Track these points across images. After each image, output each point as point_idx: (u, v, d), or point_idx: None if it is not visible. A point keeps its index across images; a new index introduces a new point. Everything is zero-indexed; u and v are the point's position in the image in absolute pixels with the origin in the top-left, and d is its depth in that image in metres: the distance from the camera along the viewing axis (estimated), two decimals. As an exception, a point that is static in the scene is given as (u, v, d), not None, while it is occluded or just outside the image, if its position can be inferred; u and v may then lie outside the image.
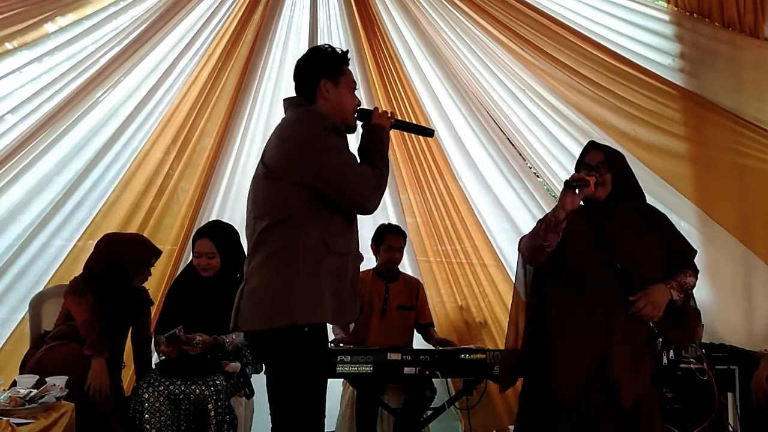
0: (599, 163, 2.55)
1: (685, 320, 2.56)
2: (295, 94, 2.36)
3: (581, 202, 2.50)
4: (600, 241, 2.49)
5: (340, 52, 2.36)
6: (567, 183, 2.46)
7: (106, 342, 3.10)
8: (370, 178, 2.20)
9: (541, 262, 2.56)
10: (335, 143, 2.19)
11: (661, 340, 2.50)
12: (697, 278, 2.57)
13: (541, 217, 2.61)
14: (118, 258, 3.26)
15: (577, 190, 2.44)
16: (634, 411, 2.37)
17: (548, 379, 2.45)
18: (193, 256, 3.41)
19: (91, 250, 3.42)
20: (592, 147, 2.65)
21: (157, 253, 3.40)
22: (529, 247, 2.57)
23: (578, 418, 2.39)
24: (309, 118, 2.25)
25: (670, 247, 2.55)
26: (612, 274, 2.45)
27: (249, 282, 2.22)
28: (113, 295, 3.22)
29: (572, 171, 4.12)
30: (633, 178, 2.62)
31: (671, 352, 2.49)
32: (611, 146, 2.67)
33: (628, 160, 2.68)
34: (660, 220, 2.63)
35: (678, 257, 2.56)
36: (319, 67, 2.31)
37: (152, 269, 3.44)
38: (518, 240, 2.72)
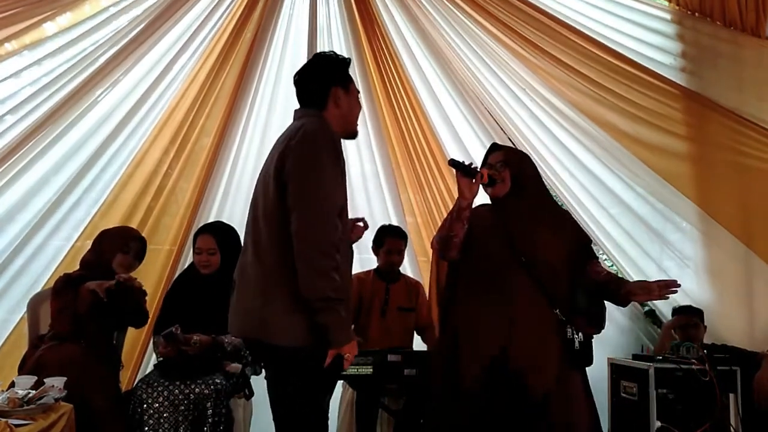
0: (498, 162, 2.69)
1: (590, 309, 2.60)
2: (297, 100, 2.32)
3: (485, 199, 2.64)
4: (503, 235, 2.59)
5: (342, 58, 2.33)
6: (450, 162, 2.59)
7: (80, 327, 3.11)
8: (332, 235, 2.05)
9: (451, 255, 2.66)
10: (332, 173, 2.10)
11: (570, 327, 2.54)
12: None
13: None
14: (100, 241, 3.34)
15: (473, 180, 2.55)
16: (543, 400, 2.41)
17: (452, 367, 2.55)
18: (193, 252, 3.40)
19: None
20: (495, 148, 2.79)
21: (138, 237, 3.40)
22: (438, 239, 2.70)
23: (481, 406, 2.44)
24: (320, 128, 2.17)
25: (568, 237, 2.65)
26: (515, 266, 2.54)
27: (241, 286, 2.21)
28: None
29: (572, 169, 4.21)
30: (536, 177, 2.76)
31: (580, 335, 2.52)
32: (514, 147, 2.76)
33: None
34: (559, 214, 2.77)
35: (577, 246, 2.66)
36: (331, 75, 2.27)
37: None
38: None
